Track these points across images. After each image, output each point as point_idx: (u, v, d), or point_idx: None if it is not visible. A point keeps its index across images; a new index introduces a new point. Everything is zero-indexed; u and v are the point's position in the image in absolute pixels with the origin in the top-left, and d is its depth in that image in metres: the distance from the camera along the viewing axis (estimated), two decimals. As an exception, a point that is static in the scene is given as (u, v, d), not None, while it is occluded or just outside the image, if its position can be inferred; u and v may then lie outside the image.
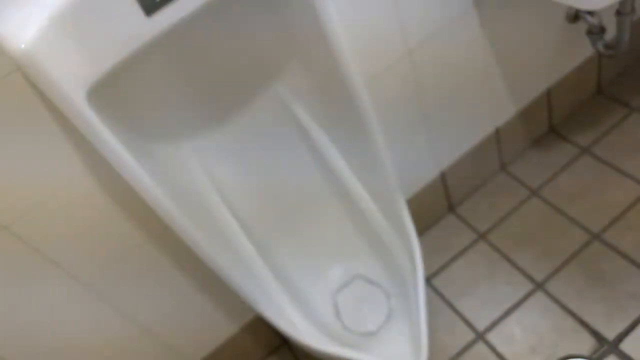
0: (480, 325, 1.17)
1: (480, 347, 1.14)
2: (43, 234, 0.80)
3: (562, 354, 1.07)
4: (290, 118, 0.95)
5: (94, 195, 0.81)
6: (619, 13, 1.11)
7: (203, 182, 0.91)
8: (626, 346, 1.04)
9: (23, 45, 0.60)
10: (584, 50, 1.34)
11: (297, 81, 0.90)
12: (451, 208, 1.40)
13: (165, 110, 0.84)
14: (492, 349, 1.12)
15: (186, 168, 0.89)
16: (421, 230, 1.36)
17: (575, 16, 1.22)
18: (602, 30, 1.19)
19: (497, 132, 1.33)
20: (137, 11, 0.65)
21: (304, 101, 0.93)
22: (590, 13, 1.18)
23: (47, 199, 0.78)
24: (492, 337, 1.14)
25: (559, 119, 1.46)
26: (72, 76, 0.63)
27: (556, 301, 1.14)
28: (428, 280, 1.28)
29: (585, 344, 1.07)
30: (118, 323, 0.96)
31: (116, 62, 0.66)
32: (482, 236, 1.31)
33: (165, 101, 0.83)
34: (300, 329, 0.93)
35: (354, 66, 0.80)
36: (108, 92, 0.72)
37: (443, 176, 1.31)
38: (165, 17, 0.67)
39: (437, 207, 1.37)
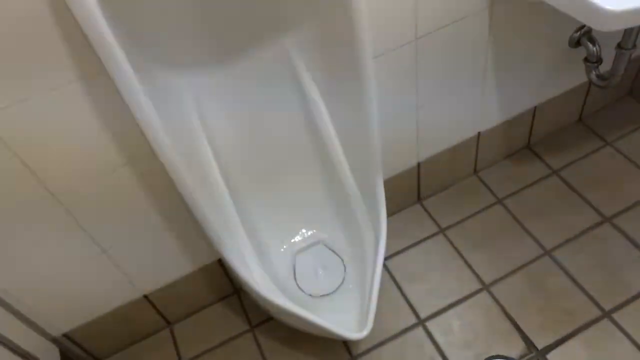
0: (423, 312, 1.21)
1: (419, 332, 1.18)
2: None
3: (493, 353, 1.12)
4: (292, 74, 0.94)
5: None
6: (619, 47, 1.13)
7: (193, 118, 0.90)
8: (553, 358, 1.10)
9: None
10: (577, 76, 1.38)
11: (306, 39, 0.89)
12: (419, 198, 1.43)
13: (172, 37, 0.83)
14: (430, 336, 1.17)
15: (180, 98, 0.88)
16: (387, 213, 1.38)
17: (577, 41, 1.25)
18: (599, 60, 1.22)
19: (479, 136, 1.37)
20: None
21: (308, 60, 0.92)
22: (592, 41, 1.21)
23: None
24: (431, 325, 1.19)
25: (537, 138, 1.50)
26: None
27: (498, 304, 1.19)
28: (384, 260, 1.31)
29: (515, 348, 1.12)
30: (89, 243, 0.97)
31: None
32: (442, 230, 1.36)
33: (174, 28, 0.82)
34: (256, 278, 0.95)
35: (368, 37, 0.80)
36: (119, 3, 0.70)
37: (419, 167, 1.34)
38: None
39: (406, 195, 1.40)
